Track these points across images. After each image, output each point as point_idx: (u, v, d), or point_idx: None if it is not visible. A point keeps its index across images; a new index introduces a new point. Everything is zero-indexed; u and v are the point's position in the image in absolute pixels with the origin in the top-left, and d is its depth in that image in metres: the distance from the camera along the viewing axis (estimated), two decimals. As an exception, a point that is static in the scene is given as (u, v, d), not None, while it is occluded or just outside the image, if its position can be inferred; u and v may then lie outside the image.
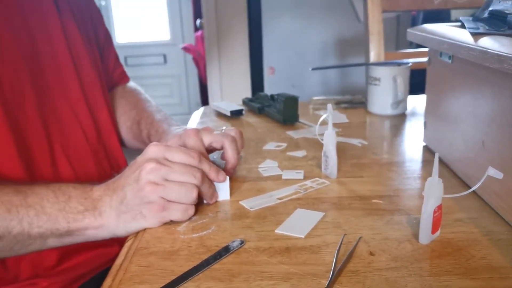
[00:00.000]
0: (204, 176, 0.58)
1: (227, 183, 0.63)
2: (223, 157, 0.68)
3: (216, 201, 0.62)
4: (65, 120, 0.72)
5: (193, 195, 0.55)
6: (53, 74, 0.71)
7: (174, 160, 0.56)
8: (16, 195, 0.55)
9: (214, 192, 0.61)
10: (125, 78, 0.97)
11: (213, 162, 0.62)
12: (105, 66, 0.89)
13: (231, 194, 0.64)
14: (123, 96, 0.92)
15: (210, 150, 0.68)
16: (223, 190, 0.63)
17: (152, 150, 0.56)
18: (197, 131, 0.66)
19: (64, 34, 0.73)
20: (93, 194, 0.57)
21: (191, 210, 0.56)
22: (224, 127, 0.70)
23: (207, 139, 0.66)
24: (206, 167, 0.59)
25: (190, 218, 0.57)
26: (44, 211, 0.55)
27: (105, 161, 0.78)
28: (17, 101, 0.64)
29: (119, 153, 0.82)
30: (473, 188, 0.48)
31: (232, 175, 0.69)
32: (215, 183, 0.61)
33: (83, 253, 0.71)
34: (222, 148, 0.67)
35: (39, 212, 0.55)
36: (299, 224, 0.55)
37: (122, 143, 0.91)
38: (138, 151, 0.61)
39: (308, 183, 0.67)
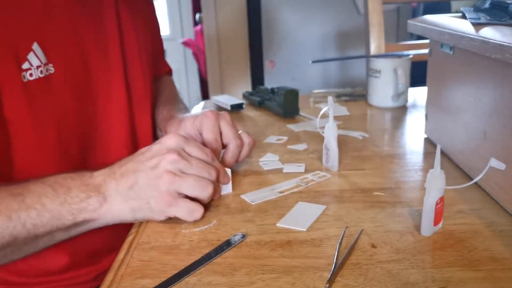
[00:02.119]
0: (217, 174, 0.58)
1: (229, 176, 0.63)
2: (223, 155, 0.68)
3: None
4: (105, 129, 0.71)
5: (209, 190, 0.55)
6: (102, 79, 0.69)
7: (192, 155, 0.56)
8: (13, 199, 0.52)
9: (218, 188, 0.61)
10: (170, 72, 1.01)
11: None
12: (156, 67, 0.91)
13: (232, 187, 0.63)
14: (160, 91, 0.92)
15: None
16: (226, 184, 0.63)
17: (173, 140, 0.56)
18: (217, 115, 0.67)
19: (121, 41, 0.72)
20: (94, 180, 0.55)
21: (198, 213, 0.55)
22: (240, 130, 0.69)
23: (222, 128, 0.66)
24: (217, 165, 0.59)
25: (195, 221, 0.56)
26: (46, 208, 0.52)
27: None
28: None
29: None
30: (475, 180, 0.48)
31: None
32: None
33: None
34: (227, 144, 0.67)
35: (40, 211, 0.52)
36: (300, 218, 0.55)
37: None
38: None
39: (309, 176, 0.67)
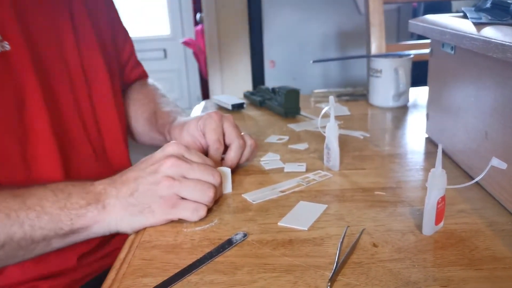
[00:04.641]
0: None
1: (229, 176, 0.63)
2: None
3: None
4: (73, 128, 0.71)
5: (210, 194, 0.54)
6: (61, 77, 0.69)
7: (193, 160, 0.56)
8: (13, 199, 0.53)
9: (220, 190, 0.61)
10: (144, 76, 0.98)
11: None
12: (122, 65, 0.90)
13: (233, 187, 0.64)
14: (141, 91, 0.92)
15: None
16: (226, 183, 0.63)
17: (172, 147, 0.56)
18: (221, 117, 0.67)
19: (75, 37, 0.72)
20: (95, 188, 0.56)
21: (202, 211, 0.55)
22: (243, 133, 0.70)
23: (225, 129, 0.67)
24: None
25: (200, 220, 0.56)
26: (45, 211, 0.53)
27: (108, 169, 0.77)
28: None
29: (125, 161, 0.81)
30: (477, 179, 0.48)
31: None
32: None
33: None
34: (229, 145, 0.67)
35: (40, 213, 0.53)
36: (302, 217, 0.55)
37: (133, 138, 0.91)
38: (151, 149, 0.61)
39: (310, 175, 0.67)
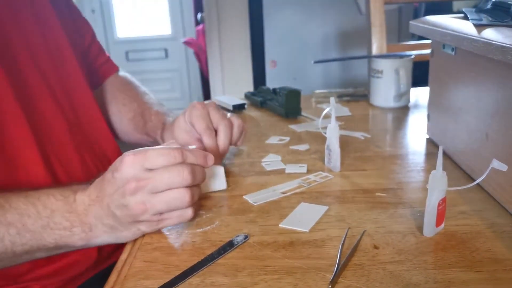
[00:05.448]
0: (194, 168, 0.51)
1: (222, 172, 0.63)
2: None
3: (218, 195, 0.62)
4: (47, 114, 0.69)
5: (187, 198, 0.51)
6: (29, 66, 0.67)
7: (156, 167, 0.50)
8: None
9: (208, 182, 0.61)
10: (114, 67, 0.94)
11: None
12: (91, 56, 0.88)
13: (234, 188, 0.64)
14: (121, 89, 0.91)
15: None
16: (219, 179, 0.63)
17: (128, 165, 0.50)
18: (204, 104, 0.67)
19: (39, 25, 0.70)
20: (78, 207, 0.53)
21: (189, 211, 0.52)
22: (229, 114, 0.70)
23: (210, 114, 0.67)
24: (192, 159, 0.52)
25: (194, 218, 0.55)
26: (27, 228, 0.51)
27: (92, 154, 0.75)
28: None
29: (109, 144, 0.79)
30: (478, 181, 0.48)
31: (220, 162, 0.67)
32: (210, 173, 0.62)
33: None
34: (216, 128, 0.67)
35: (21, 230, 0.51)
36: (303, 218, 0.55)
37: (116, 136, 0.90)
38: (135, 145, 0.60)
39: (311, 177, 0.67)
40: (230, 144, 0.68)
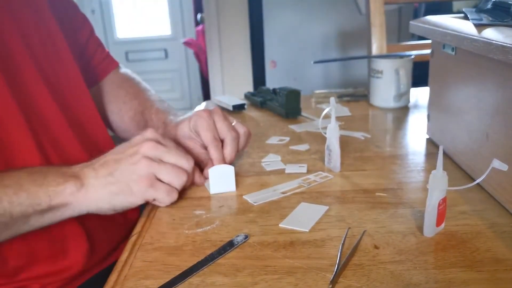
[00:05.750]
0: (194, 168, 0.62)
1: (232, 174, 0.63)
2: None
3: (218, 195, 0.63)
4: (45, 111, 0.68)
5: (183, 178, 0.58)
6: (22, 53, 0.66)
7: (168, 146, 0.59)
8: None
9: (195, 177, 0.64)
10: (113, 62, 0.92)
11: None
12: (89, 51, 0.87)
13: (236, 186, 0.64)
14: (122, 86, 0.89)
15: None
16: (229, 182, 0.63)
17: (150, 132, 0.60)
18: (210, 113, 0.67)
19: (31, 13, 0.69)
20: (72, 169, 0.57)
21: (175, 194, 0.59)
22: (234, 121, 0.70)
23: (216, 124, 0.67)
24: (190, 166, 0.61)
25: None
26: (23, 188, 0.54)
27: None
28: None
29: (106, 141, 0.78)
30: (478, 181, 0.48)
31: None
32: (221, 175, 0.63)
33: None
34: (223, 139, 0.67)
35: (17, 190, 0.54)
36: (303, 218, 0.55)
37: (115, 133, 0.90)
38: None
39: (311, 177, 0.67)
40: (236, 152, 0.68)
